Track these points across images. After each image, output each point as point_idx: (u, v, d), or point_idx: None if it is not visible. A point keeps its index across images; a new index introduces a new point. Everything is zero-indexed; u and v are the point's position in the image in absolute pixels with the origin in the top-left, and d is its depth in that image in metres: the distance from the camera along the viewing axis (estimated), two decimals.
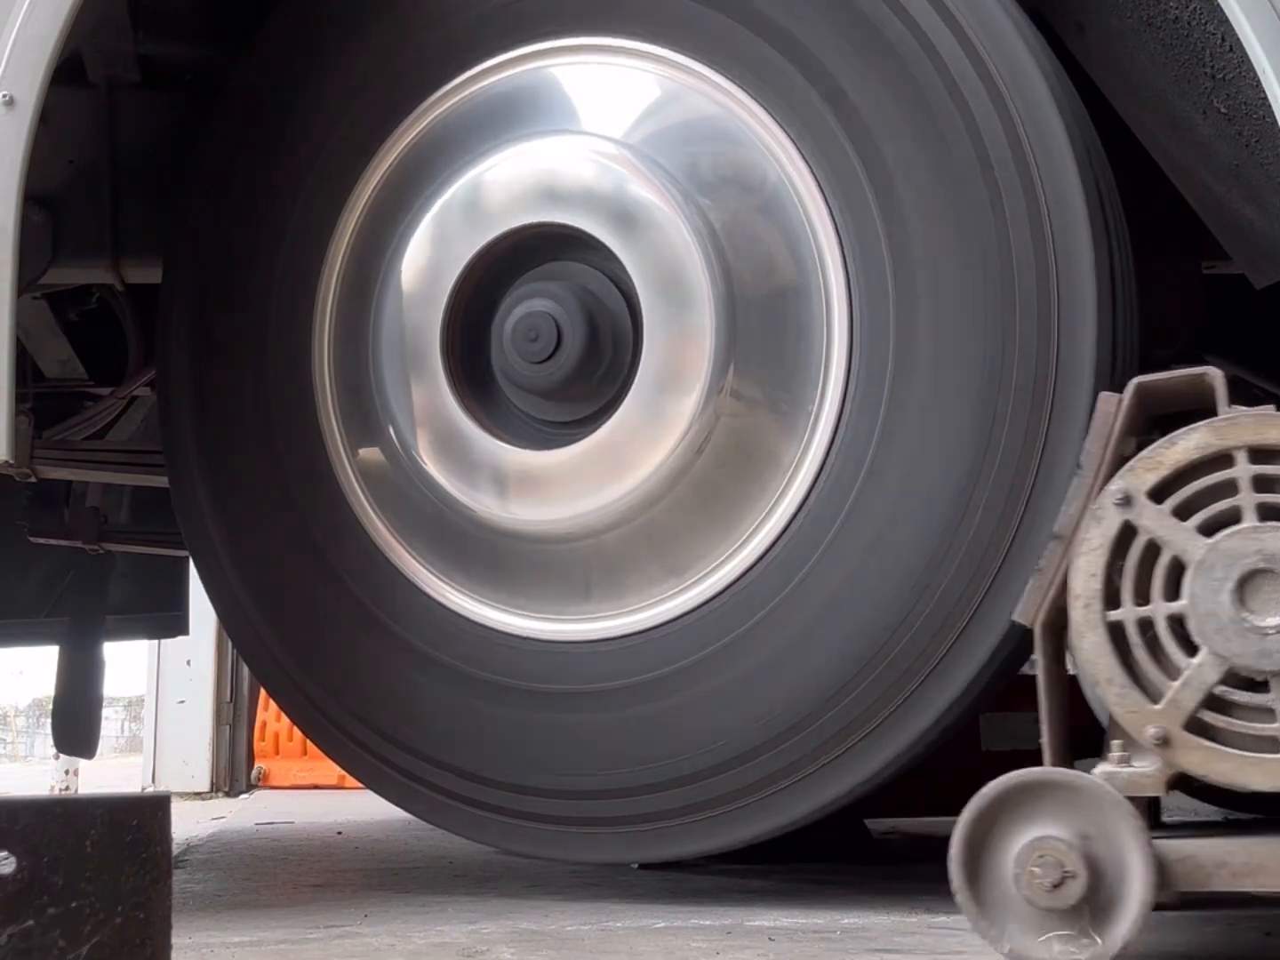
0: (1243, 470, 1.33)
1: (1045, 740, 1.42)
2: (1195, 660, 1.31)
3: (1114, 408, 1.43)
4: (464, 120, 2.12)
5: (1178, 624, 1.33)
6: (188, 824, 4.44)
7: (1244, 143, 1.91)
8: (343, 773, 2.34)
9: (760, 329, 1.94)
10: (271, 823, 4.46)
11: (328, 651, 2.19)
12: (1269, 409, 1.35)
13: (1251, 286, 2.06)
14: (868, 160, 1.88)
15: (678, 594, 1.98)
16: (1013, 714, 2.88)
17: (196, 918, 1.95)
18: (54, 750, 6.95)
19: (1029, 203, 1.81)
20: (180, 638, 4.25)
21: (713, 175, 1.99)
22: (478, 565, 2.10)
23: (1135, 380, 1.44)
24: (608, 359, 2.00)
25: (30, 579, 3.67)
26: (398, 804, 2.19)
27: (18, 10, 1.87)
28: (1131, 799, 1.30)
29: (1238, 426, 1.34)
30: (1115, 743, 1.35)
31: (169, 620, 3.97)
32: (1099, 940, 1.26)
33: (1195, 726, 1.32)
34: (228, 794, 7.40)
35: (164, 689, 7.56)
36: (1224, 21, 1.80)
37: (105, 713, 4.07)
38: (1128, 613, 1.35)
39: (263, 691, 6.94)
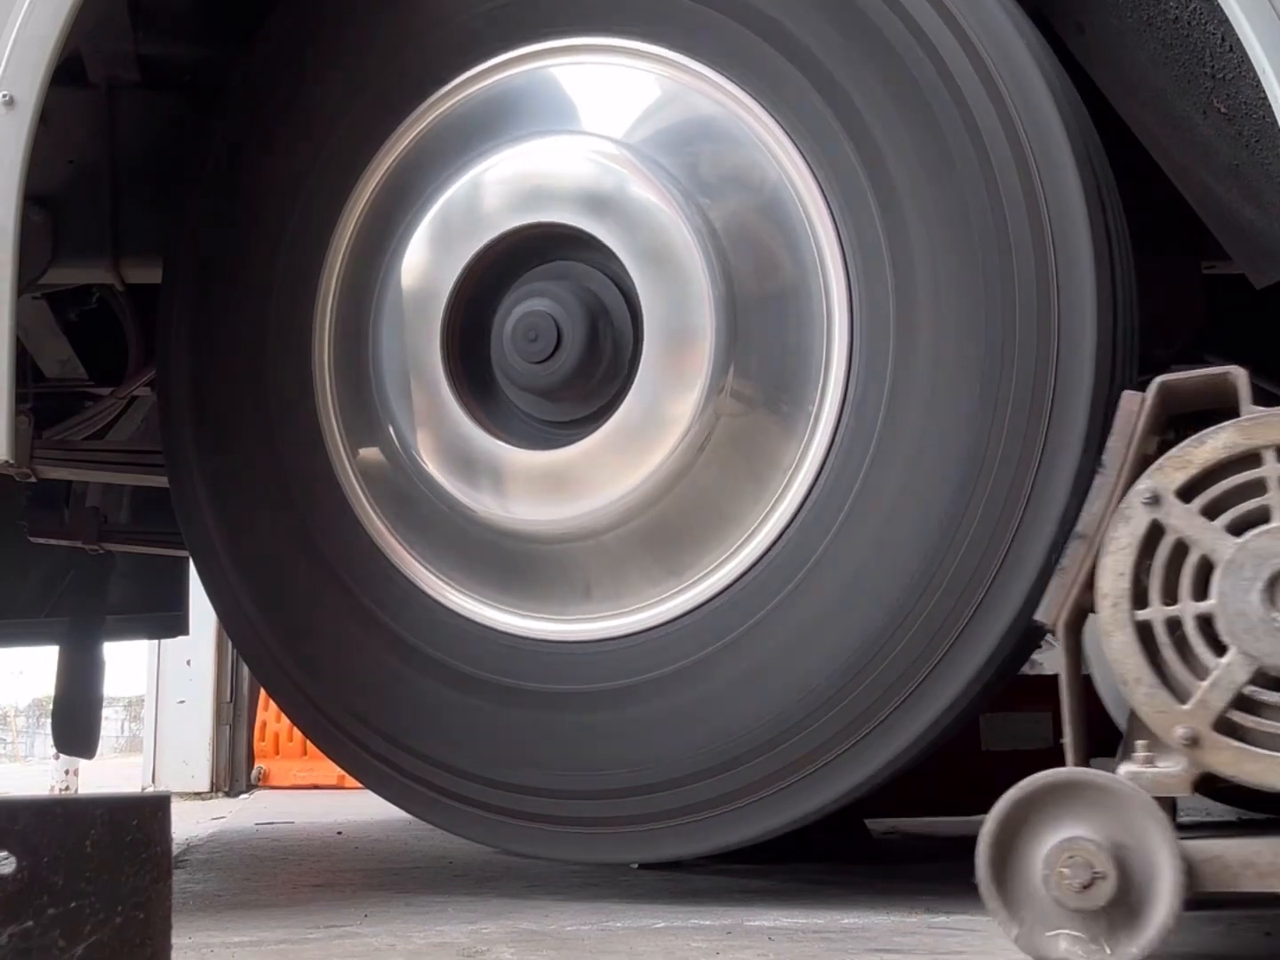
0: (1271, 469, 1.33)
1: (1068, 740, 1.41)
2: (1224, 660, 1.31)
3: (1137, 406, 1.43)
4: (464, 120, 2.12)
5: (1206, 624, 1.33)
6: (188, 824, 4.44)
7: (1244, 142, 1.91)
8: (343, 773, 2.34)
9: (760, 329, 1.94)
10: (271, 823, 4.46)
11: (328, 651, 2.19)
12: None
13: (1251, 286, 2.06)
14: (867, 160, 1.88)
15: (678, 594, 1.98)
16: (1013, 714, 2.88)
17: (196, 918, 1.95)
18: (54, 750, 6.95)
19: (1029, 203, 1.81)
20: (180, 638, 4.24)
21: (713, 175, 1.99)
22: (478, 565, 2.10)
23: (1158, 379, 1.44)
24: (608, 359, 2.00)
25: (30, 579, 3.67)
26: (398, 804, 2.19)
27: (18, 10, 1.87)
28: (1156, 800, 1.30)
29: (1265, 425, 1.34)
30: (1140, 743, 1.35)
31: (169, 620, 3.97)
32: (1107, 950, 1.26)
33: (1224, 727, 1.32)
34: (228, 794, 7.41)
35: (164, 689, 7.56)
36: (1224, 21, 1.80)
37: (105, 713, 4.07)
38: (1156, 612, 1.35)
39: (263, 691, 6.94)
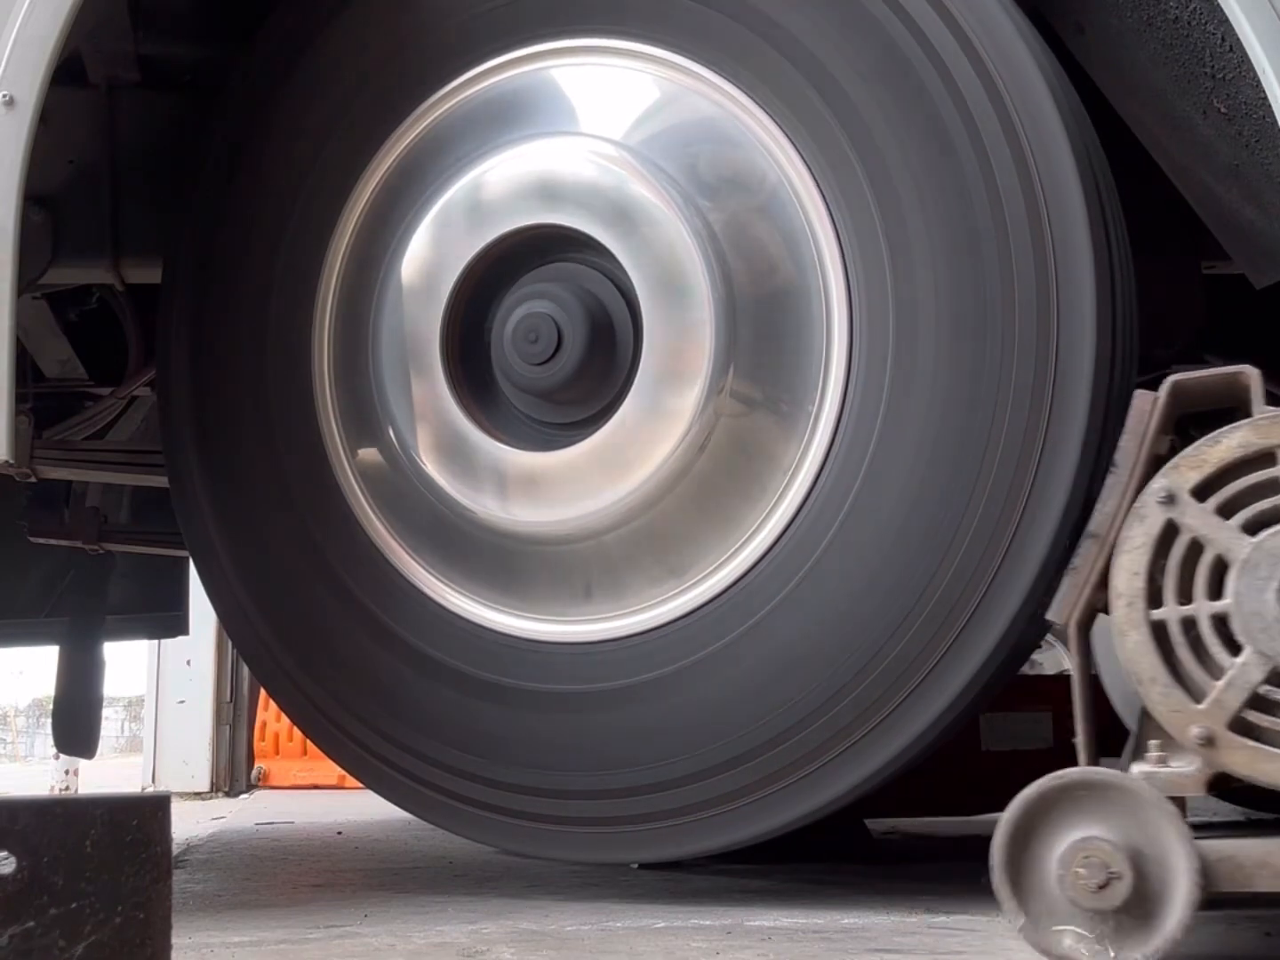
0: None
1: (1080, 739, 1.41)
2: (1239, 660, 1.31)
3: (1149, 406, 1.43)
4: (464, 121, 2.12)
5: (1221, 623, 1.33)
6: (188, 824, 4.44)
7: (1244, 142, 1.91)
8: (343, 773, 2.34)
9: (760, 329, 1.94)
10: (271, 823, 4.46)
11: (327, 652, 2.19)
12: None
13: (1251, 286, 2.06)
14: (866, 160, 1.88)
15: (678, 595, 1.98)
16: (1013, 714, 2.88)
17: (196, 918, 1.95)
18: (54, 750, 6.96)
19: (1028, 203, 1.81)
20: (180, 638, 4.24)
21: (712, 176, 1.99)
22: (478, 566, 2.10)
23: (1171, 378, 1.44)
24: (608, 360, 2.00)
25: (30, 579, 3.67)
26: (398, 804, 2.19)
27: (18, 10, 1.87)
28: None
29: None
30: (1153, 743, 1.35)
31: (169, 620, 3.97)
32: (1111, 953, 1.26)
33: (1240, 726, 1.32)
34: (228, 794, 7.41)
35: (164, 689, 7.56)
36: (1224, 21, 1.80)
37: (105, 713, 4.07)
38: (1171, 611, 1.35)
39: (263, 691, 6.94)
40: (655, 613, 1.99)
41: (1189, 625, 1.34)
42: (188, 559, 2.66)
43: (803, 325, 1.92)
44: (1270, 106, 1.75)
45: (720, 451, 1.94)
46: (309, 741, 2.35)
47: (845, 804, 1.92)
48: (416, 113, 2.14)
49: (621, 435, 1.97)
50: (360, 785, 2.25)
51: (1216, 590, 1.33)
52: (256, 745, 8.03)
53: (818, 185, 1.91)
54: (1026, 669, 3.26)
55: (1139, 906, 1.26)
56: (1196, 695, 1.33)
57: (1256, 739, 1.31)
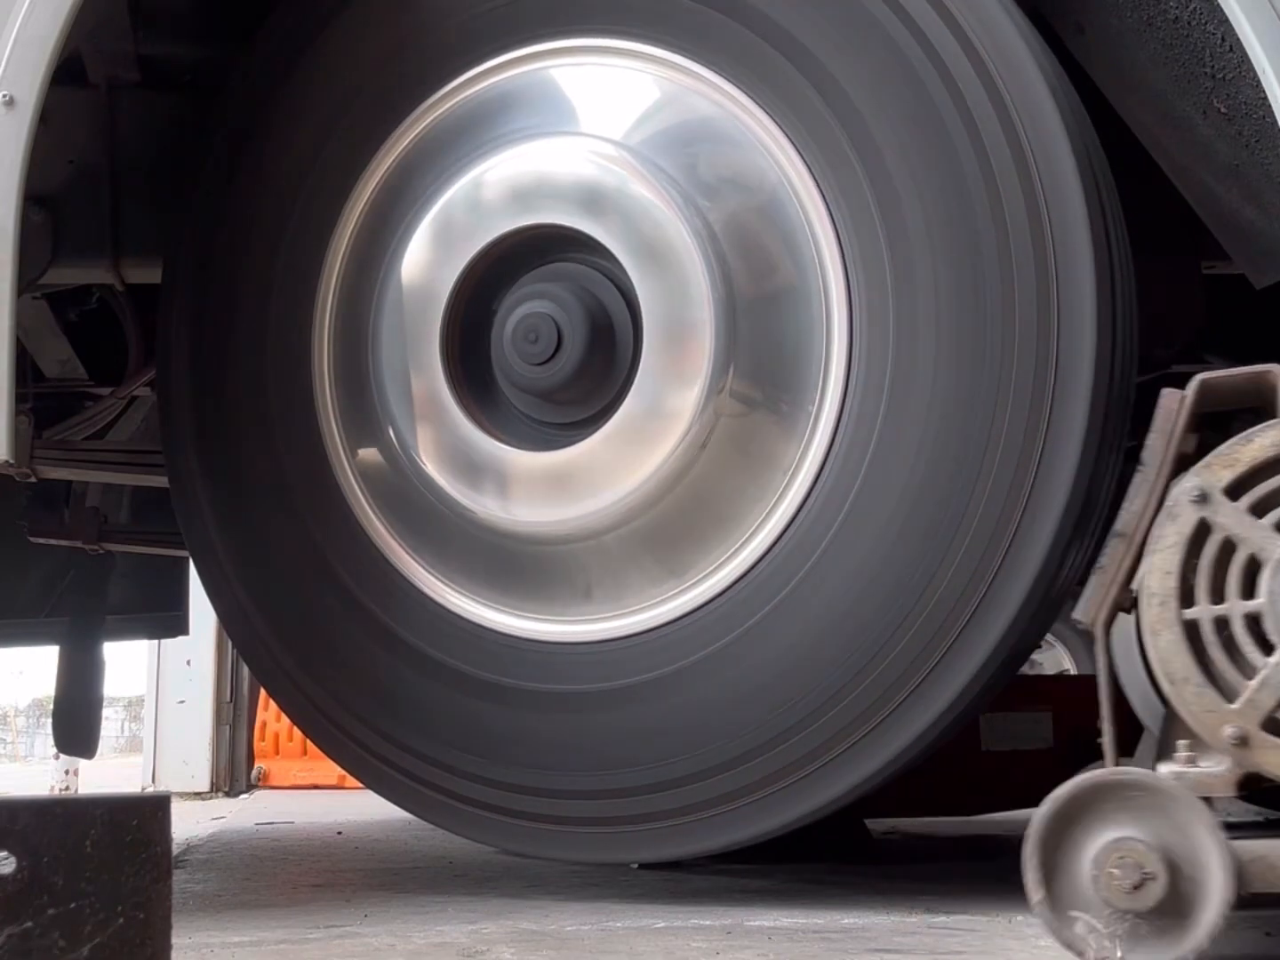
0: None
1: (1107, 739, 1.41)
2: (1273, 659, 1.31)
3: (1177, 404, 1.43)
4: (464, 121, 2.12)
5: (1254, 622, 1.33)
6: (188, 824, 4.44)
7: (1244, 142, 1.91)
8: (343, 773, 2.34)
9: (760, 329, 1.94)
10: (271, 823, 4.46)
11: (327, 652, 2.19)
12: None
13: (1251, 286, 2.06)
14: (866, 160, 1.88)
15: (678, 595, 1.98)
16: (1013, 714, 2.88)
17: (196, 918, 1.95)
18: (54, 750, 6.96)
19: (1028, 202, 1.81)
20: (180, 638, 4.24)
21: (712, 176, 1.99)
22: (478, 566, 2.10)
23: (1199, 376, 1.43)
24: (608, 360, 2.00)
25: (30, 579, 3.67)
26: (398, 804, 2.19)
27: (18, 10, 1.87)
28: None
29: None
30: (1181, 743, 1.35)
31: (169, 620, 3.97)
32: (1118, 953, 1.26)
33: (1273, 726, 1.31)
34: (228, 794, 7.40)
35: (164, 689, 7.56)
36: (1224, 21, 1.80)
37: (105, 713, 4.07)
38: (1203, 611, 1.35)
39: (263, 691, 6.94)
40: (655, 613, 1.99)
41: (1222, 625, 1.34)
42: (188, 559, 2.66)
43: (803, 325, 1.92)
44: (1270, 106, 1.75)
45: (720, 451, 1.94)
46: (309, 741, 2.35)
47: (845, 804, 1.92)
48: (416, 112, 2.14)
49: (621, 435, 1.97)
50: (360, 785, 2.25)
51: (1249, 589, 1.33)
52: (256, 745, 8.03)
53: (818, 185, 1.91)
54: (1026, 669, 3.26)
55: (1172, 907, 1.26)
56: (1229, 695, 1.33)
57: None
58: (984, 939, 1.64)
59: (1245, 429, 1.40)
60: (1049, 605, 1.87)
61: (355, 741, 2.17)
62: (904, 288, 1.86)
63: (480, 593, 2.10)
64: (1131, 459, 1.97)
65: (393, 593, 2.14)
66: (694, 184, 1.98)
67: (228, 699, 7.64)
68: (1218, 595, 1.35)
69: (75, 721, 3.69)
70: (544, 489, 2.03)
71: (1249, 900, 1.28)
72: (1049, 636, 6.38)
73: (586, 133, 2.05)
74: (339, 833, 3.82)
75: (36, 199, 2.28)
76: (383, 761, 2.15)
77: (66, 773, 8.95)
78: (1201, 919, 1.25)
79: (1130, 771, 1.33)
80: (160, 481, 2.60)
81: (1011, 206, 1.81)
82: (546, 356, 1.99)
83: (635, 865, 2.46)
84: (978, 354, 1.82)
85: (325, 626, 2.18)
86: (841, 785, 1.89)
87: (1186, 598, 1.36)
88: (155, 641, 7.13)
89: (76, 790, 8.60)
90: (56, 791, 8.00)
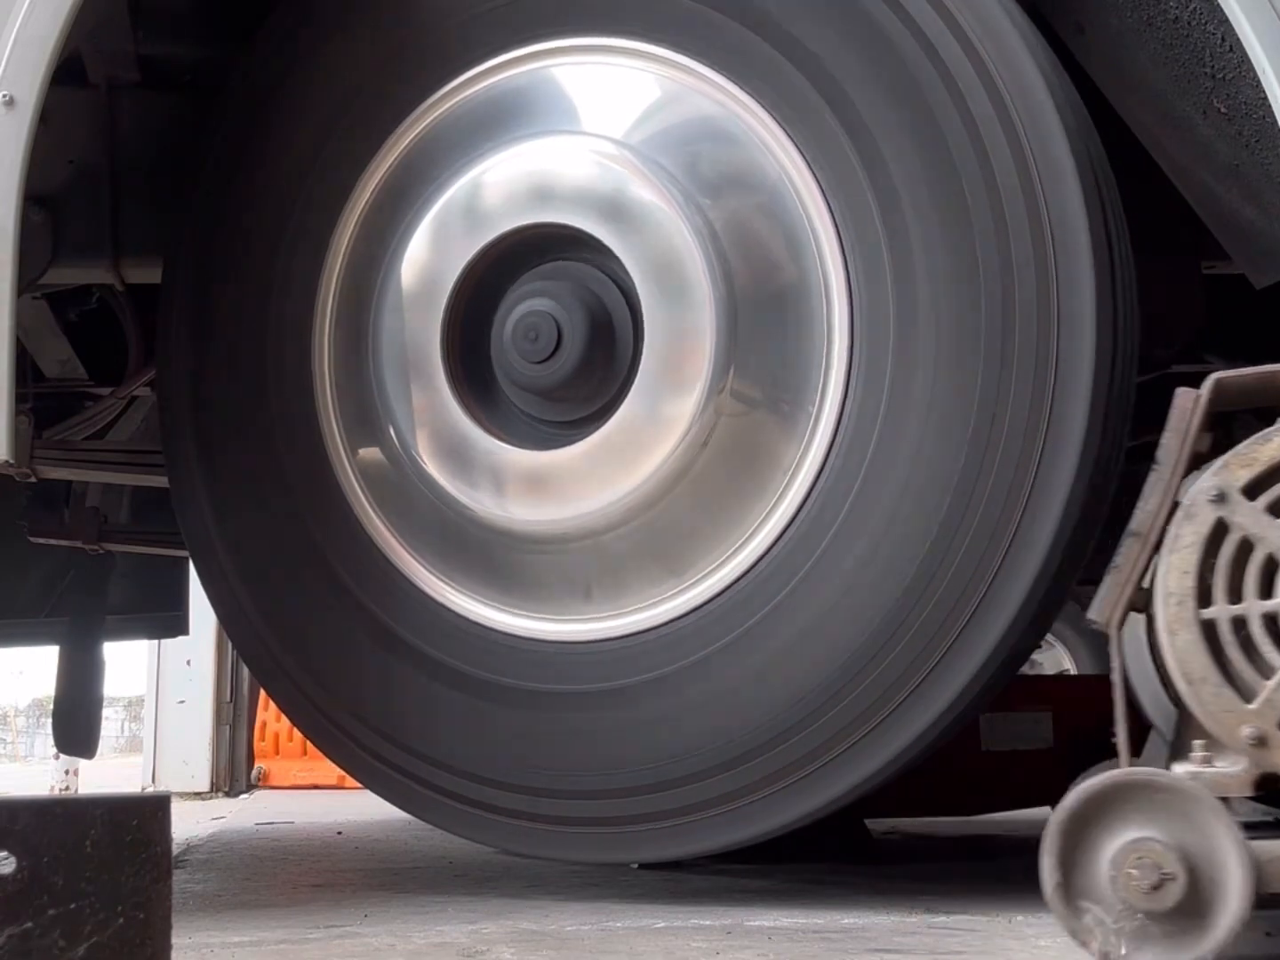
0: None
1: (1121, 740, 1.40)
2: None
3: (1192, 404, 1.43)
4: (464, 120, 2.12)
5: (1272, 622, 1.33)
6: (188, 824, 4.44)
7: (1244, 142, 1.91)
8: (343, 773, 2.34)
9: (761, 328, 1.94)
10: (271, 823, 4.46)
11: (328, 652, 2.19)
12: None
13: (1251, 286, 2.06)
14: (867, 159, 1.88)
15: (678, 594, 1.98)
16: (1013, 714, 2.88)
17: (196, 918, 1.95)
18: (54, 750, 6.96)
19: (1028, 202, 1.81)
20: (180, 638, 4.25)
21: (713, 175, 1.99)
22: (478, 565, 2.10)
23: (1213, 376, 1.43)
24: (608, 359, 2.00)
25: (30, 579, 3.67)
26: (398, 804, 2.19)
27: (18, 10, 1.87)
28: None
29: None
30: (1197, 743, 1.35)
31: (169, 620, 3.97)
32: (1123, 950, 1.26)
33: None
34: (228, 794, 7.41)
35: (164, 689, 7.56)
36: (1224, 21, 1.80)
37: (105, 713, 4.07)
38: (1221, 611, 1.35)
39: (263, 691, 6.94)
40: (655, 612, 1.99)
41: (1239, 625, 1.34)
42: (188, 559, 2.66)
43: (803, 324, 1.92)
44: (1270, 106, 1.75)
45: (720, 451, 1.94)
46: (309, 741, 2.35)
47: (845, 804, 1.92)
48: (417, 112, 2.14)
49: (622, 434, 1.97)
50: (360, 785, 2.24)
51: (1267, 589, 1.33)
52: (256, 745, 8.03)
53: (819, 184, 1.91)
54: (1026, 669, 3.25)
55: (1191, 907, 1.26)
56: (1247, 695, 1.32)
57: None
58: (984, 939, 1.64)
59: (1246, 429, 1.40)
60: (1049, 605, 1.86)
61: (354, 741, 2.17)
62: (904, 287, 1.86)
63: (480, 592, 2.10)
64: (1132, 459, 1.98)
65: (393, 592, 2.13)
66: (695, 182, 1.98)
67: (228, 699, 7.64)
68: (1235, 595, 1.35)
69: (75, 721, 3.69)
70: (544, 488, 2.03)
71: (1267, 900, 1.28)
72: (1049, 636, 6.38)
73: (587, 131, 2.05)
74: (339, 833, 3.82)
75: (36, 199, 2.28)
76: (382, 761, 2.15)
77: (66, 773, 8.95)
78: (1221, 919, 1.25)
79: (1149, 772, 1.32)
80: (160, 481, 2.60)
81: (1011, 206, 1.81)
82: (546, 354, 1.99)
83: (635, 865, 2.46)
84: (978, 354, 1.82)
85: (325, 626, 2.18)
86: (841, 785, 1.89)
87: (1204, 597, 1.36)
88: (155, 641, 7.13)
89: (76, 790, 8.61)
90: (56, 791, 8.00)
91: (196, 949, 1.64)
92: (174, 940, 1.07)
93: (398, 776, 2.15)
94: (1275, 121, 1.75)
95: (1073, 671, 6.69)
